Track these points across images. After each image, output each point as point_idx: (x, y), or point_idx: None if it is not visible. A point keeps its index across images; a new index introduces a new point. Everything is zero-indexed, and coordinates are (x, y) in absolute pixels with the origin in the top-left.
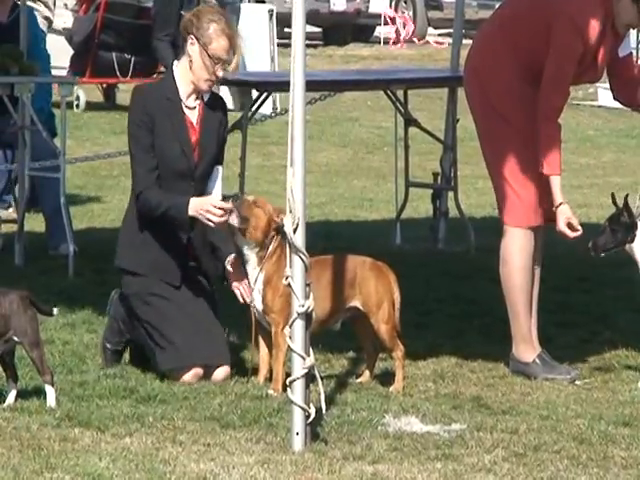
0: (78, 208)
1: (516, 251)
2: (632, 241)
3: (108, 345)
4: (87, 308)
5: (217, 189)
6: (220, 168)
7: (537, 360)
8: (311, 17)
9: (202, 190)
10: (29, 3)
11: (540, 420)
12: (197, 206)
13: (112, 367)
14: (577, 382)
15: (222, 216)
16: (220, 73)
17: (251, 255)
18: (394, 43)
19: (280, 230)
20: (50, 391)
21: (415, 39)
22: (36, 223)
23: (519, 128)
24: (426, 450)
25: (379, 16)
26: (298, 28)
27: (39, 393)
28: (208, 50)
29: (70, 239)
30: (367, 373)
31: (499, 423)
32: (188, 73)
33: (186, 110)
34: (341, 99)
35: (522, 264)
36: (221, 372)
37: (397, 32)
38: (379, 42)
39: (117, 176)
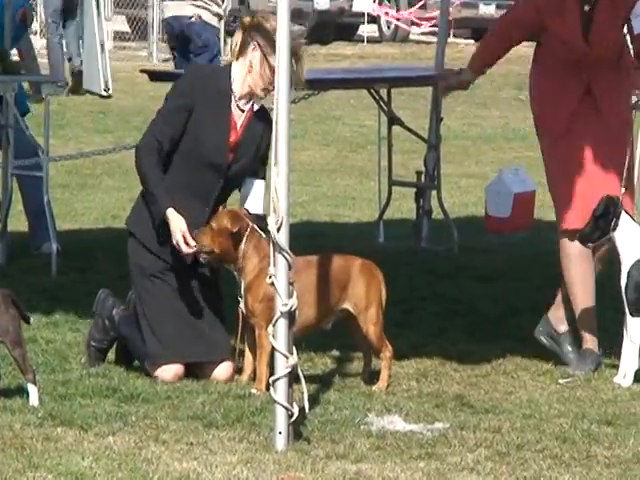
0: (61, 207)
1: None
2: (614, 229)
3: (93, 343)
4: (70, 307)
5: (257, 204)
6: (261, 183)
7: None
8: (294, 16)
9: (229, 190)
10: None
11: (523, 419)
12: (172, 223)
13: (96, 366)
14: (560, 381)
15: (187, 251)
16: None
17: (232, 269)
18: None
19: (241, 235)
20: (32, 390)
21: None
22: (19, 222)
23: (549, 126)
24: (409, 449)
25: (362, 15)
26: (283, 27)
27: (22, 392)
28: (270, 60)
29: (53, 238)
30: (366, 371)
31: (482, 422)
32: (246, 76)
33: (234, 110)
34: (324, 98)
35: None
36: (223, 367)
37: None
38: (362, 41)
39: (100, 175)
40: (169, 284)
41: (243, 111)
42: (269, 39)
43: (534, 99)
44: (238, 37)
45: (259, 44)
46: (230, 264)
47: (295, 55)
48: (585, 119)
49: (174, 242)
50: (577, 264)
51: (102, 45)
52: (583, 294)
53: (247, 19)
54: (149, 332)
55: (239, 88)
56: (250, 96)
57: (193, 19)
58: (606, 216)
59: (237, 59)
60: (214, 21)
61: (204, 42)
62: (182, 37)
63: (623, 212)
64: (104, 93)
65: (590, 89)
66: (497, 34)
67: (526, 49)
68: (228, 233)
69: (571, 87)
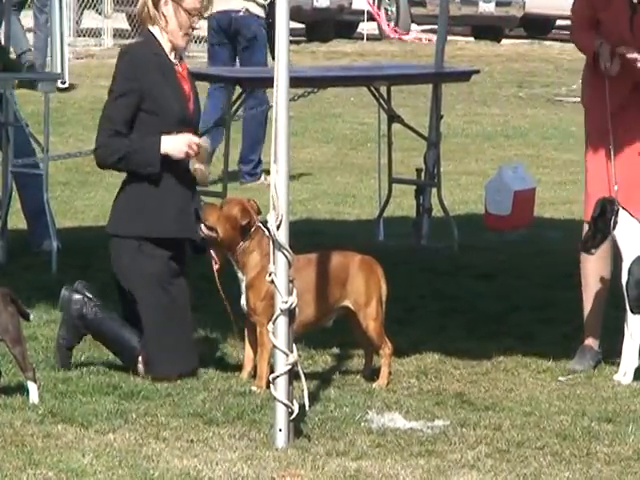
0: (61, 205)
1: None
2: (614, 228)
3: (62, 342)
4: None
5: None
6: None
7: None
8: (294, 13)
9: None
10: None
11: (523, 416)
12: (174, 140)
13: (66, 367)
14: (560, 378)
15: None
16: (197, 25)
17: (232, 260)
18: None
19: (246, 231)
20: (32, 387)
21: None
22: (19, 220)
23: (592, 117)
24: (409, 446)
25: (362, 12)
26: (282, 24)
27: (22, 389)
28: (183, 5)
29: (53, 236)
30: (367, 368)
31: (482, 419)
32: (166, 32)
33: (174, 63)
34: (324, 95)
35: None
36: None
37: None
38: (362, 38)
39: (100, 172)
40: (164, 288)
41: (177, 64)
42: None
43: (586, 96)
44: (145, 5)
45: None
46: (227, 253)
47: None
48: (633, 116)
49: (186, 147)
50: (594, 261)
51: (62, 40)
52: (595, 292)
53: None
54: (152, 344)
55: (166, 45)
56: (175, 50)
57: (241, 12)
58: (604, 216)
59: (153, 24)
60: (260, 12)
61: (253, 34)
62: (231, 31)
63: (621, 209)
64: (61, 85)
65: (638, 84)
66: (578, 41)
67: (527, 47)
68: (235, 222)
69: (620, 83)
